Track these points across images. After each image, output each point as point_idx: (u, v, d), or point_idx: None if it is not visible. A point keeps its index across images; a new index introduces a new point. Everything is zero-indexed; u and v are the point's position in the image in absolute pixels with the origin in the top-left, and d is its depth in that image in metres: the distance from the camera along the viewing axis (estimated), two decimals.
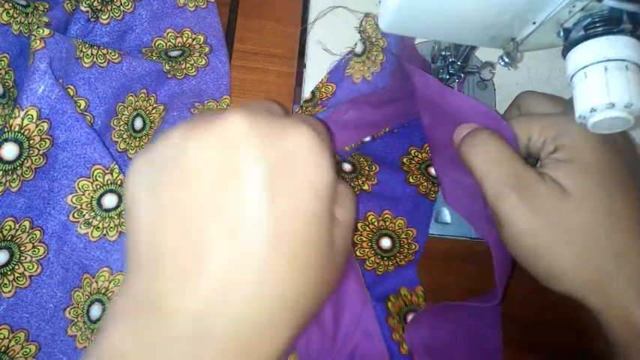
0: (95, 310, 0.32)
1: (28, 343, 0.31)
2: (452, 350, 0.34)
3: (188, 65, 0.38)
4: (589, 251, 0.27)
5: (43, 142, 0.29)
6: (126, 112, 0.34)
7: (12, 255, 0.30)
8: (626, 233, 0.27)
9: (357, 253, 0.36)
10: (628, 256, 0.27)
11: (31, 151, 0.29)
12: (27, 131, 0.28)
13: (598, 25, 0.25)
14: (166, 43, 0.38)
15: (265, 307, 0.20)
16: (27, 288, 0.31)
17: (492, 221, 0.30)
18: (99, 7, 0.35)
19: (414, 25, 0.29)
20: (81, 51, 0.32)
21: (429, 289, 0.36)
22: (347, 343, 0.31)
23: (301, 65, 0.40)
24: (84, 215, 0.32)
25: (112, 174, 0.32)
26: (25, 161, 0.29)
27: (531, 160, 0.32)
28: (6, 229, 0.29)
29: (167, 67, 0.36)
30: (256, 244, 0.20)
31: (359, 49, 0.38)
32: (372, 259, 0.36)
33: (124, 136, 0.34)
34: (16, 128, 0.28)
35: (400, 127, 0.39)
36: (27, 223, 0.30)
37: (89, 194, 0.32)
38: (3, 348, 0.30)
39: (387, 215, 0.36)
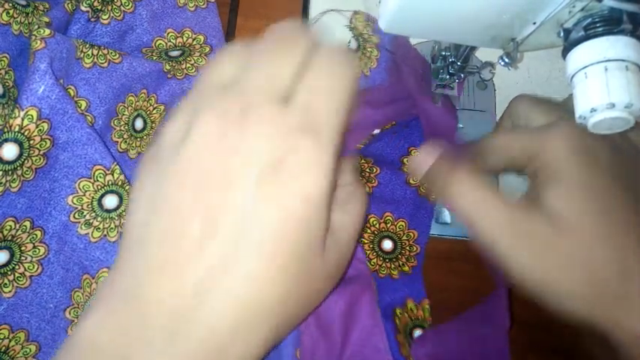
0: None
1: (28, 343, 0.31)
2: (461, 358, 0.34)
3: (188, 65, 0.38)
4: (593, 276, 0.26)
5: (44, 143, 0.29)
6: (126, 113, 0.34)
7: (12, 255, 0.30)
8: (629, 250, 0.26)
9: None
10: (634, 274, 0.26)
11: (32, 152, 0.29)
12: (27, 131, 0.28)
13: (598, 25, 0.25)
14: (167, 43, 0.38)
15: (243, 309, 0.20)
16: (27, 288, 0.31)
17: None
18: (99, 7, 0.35)
19: (414, 25, 0.29)
20: (81, 51, 0.32)
21: (429, 289, 0.36)
22: (355, 355, 0.31)
23: None
24: (84, 216, 0.32)
25: (112, 174, 0.32)
26: (26, 161, 0.29)
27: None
28: (6, 229, 0.29)
29: (167, 67, 0.36)
30: (239, 245, 0.20)
31: (353, 45, 0.38)
32: (374, 260, 0.36)
33: (125, 136, 0.34)
34: (16, 128, 0.28)
35: (400, 128, 0.39)
36: (27, 223, 0.30)
37: (90, 195, 0.32)
38: (3, 348, 0.30)
39: (388, 217, 0.36)
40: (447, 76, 0.38)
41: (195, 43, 0.38)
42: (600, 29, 0.25)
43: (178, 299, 0.20)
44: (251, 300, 0.20)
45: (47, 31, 0.29)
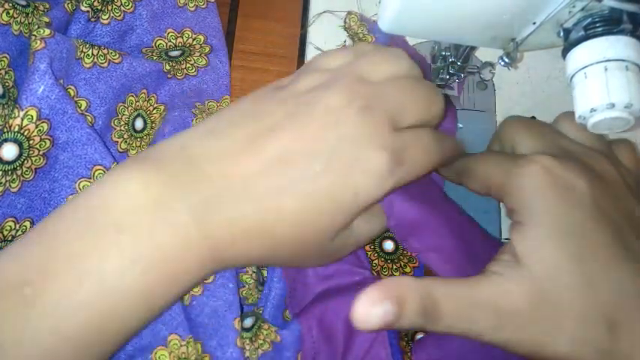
0: None
1: None
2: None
3: (188, 65, 0.38)
4: (580, 336, 0.23)
5: (43, 143, 0.29)
6: (126, 113, 0.34)
7: None
8: (613, 299, 0.24)
9: None
10: (623, 323, 0.23)
11: (31, 152, 0.29)
12: (27, 131, 0.28)
13: (598, 25, 0.25)
14: (167, 43, 0.38)
15: (261, 221, 0.24)
16: None
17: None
18: (99, 7, 0.35)
19: (414, 26, 0.29)
20: (81, 51, 0.32)
21: None
22: None
23: (301, 65, 0.40)
24: None
25: None
26: (25, 161, 0.29)
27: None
28: (6, 230, 0.29)
29: (167, 67, 0.36)
30: (294, 185, 0.24)
31: (349, 45, 0.38)
32: (376, 262, 0.36)
33: (125, 136, 0.34)
34: (16, 128, 0.28)
35: None
36: (27, 224, 0.30)
37: None
38: None
39: None
40: (447, 76, 0.38)
41: (195, 43, 0.38)
42: (600, 29, 0.25)
43: (227, 182, 0.24)
44: (268, 221, 0.24)
45: (47, 31, 0.29)
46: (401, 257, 0.36)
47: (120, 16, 0.36)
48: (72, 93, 0.32)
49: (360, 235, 0.28)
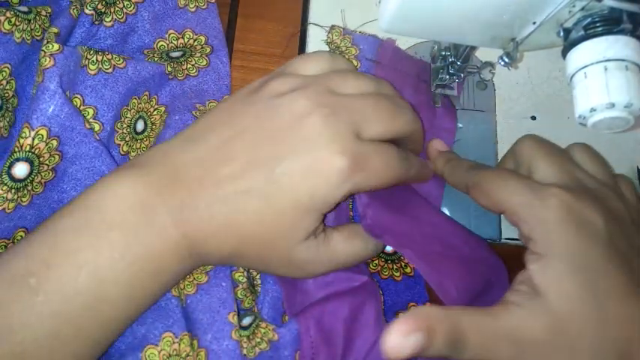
0: None
1: None
2: None
3: (189, 66, 0.38)
4: None
5: (53, 158, 0.30)
6: (129, 115, 0.34)
7: None
8: (626, 334, 0.24)
9: None
10: (635, 357, 0.24)
11: (41, 168, 0.29)
12: (37, 150, 0.29)
13: (598, 25, 0.25)
14: (168, 44, 0.38)
15: (215, 225, 0.27)
16: None
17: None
18: (103, 10, 0.35)
19: (414, 25, 0.29)
20: (86, 58, 0.32)
21: (428, 289, 0.36)
22: None
23: None
24: None
25: None
26: (35, 177, 0.29)
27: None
28: (17, 239, 0.30)
29: (169, 68, 0.36)
30: (260, 188, 0.26)
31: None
32: (376, 262, 0.36)
33: (127, 138, 0.34)
34: (27, 148, 0.28)
35: None
36: None
37: None
38: None
39: None
40: (447, 76, 0.38)
41: (196, 44, 0.38)
42: (600, 29, 0.25)
43: (201, 185, 0.26)
44: (236, 220, 0.27)
45: (56, 46, 0.29)
46: (401, 257, 0.36)
47: (122, 18, 0.36)
48: (78, 102, 0.32)
49: (337, 251, 0.29)
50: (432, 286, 0.30)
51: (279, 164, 0.26)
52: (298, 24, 0.41)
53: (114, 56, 0.33)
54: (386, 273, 0.36)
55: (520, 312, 0.25)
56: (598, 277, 0.25)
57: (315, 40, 0.40)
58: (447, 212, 0.38)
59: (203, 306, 0.29)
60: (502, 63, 0.30)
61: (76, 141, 0.30)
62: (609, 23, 0.24)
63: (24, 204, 0.29)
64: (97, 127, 0.32)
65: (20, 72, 0.31)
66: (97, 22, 0.35)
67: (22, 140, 0.28)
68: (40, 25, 0.31)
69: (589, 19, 0.25)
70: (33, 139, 0.28)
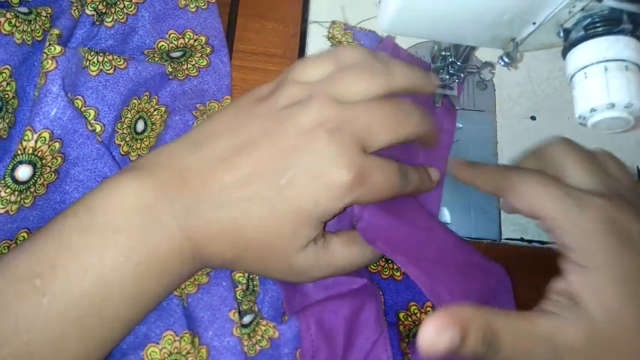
0: None
1: None
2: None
3: (189, 66, 0.38)
4: None
5: (55, 160, 0.30)
6: (129, 116, 0.34)
7: None
8: None
9: None
10: None
11: (44, 170, 0.29)
12: (40, 152, 0.29)
13: (598, 25, 0.25)
14: (168, 45, 0.38)
15: (218, 230, 0.27)
16: None
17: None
18: (104, 10, 0.35)
19: (414, 26, 0.29)
20: (87, 59, 0.32)
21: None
22: None
23: None
24: None
25: None
26: (38, 179, 0.29)
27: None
28: (20, 240, 0.30)
29: (170, 68, 0.36)
30: (263, 196, 0.27)
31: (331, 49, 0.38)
32: (377, 262, 0.36)
33: (127, 139, 0.34)
34: (30, 150, 0.28)
35: None
36: None
37: None
38: None
39: None
40: (447, 76, 0.38)
41: (196, 44, 0.38)
42: (600, 29, 0.25)
43: (205, 190, 0.27)
44: (238, 226, 0.27)
45: (58, 49, 0.29)
46: None
47: (123, 18, 0.36)
48: (79, 103, 0.32)
49: (336, 257, 0.30)
50: (425, 291, 0.30)
51: (284, 175, 0.27)
52: (298, 24, 0.41)
53: (115, 57, 0.33)
54: (386, 273, 0.36)
55: (558, 320, 0.25)
56: (638, 286, 0.25)
57: (316, 40, 0.40)
58: (447, 212, 0.38)
59: (204, 304, 0.30)
60: (502, 63, 0.30)
61: (78, 143, 0.30)
62: (609, 23, 0.24)
63: (27, 206, 0.29)
64: (98, 128, 0.32)
65: (20, 73, 0.31)
66: (97, 23, 0.35)
67: (24, 143, 0.28)
68: (40, 26, 0.31)
69: (589, 20, 0.25)
70: (36, 141, 0.28)
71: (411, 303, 0.35)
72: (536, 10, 0.26)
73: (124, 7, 0.36)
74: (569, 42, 0.26)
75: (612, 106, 0.24)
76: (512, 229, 0.38)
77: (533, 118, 0.41)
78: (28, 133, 0.28)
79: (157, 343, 0.28)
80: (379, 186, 0.29)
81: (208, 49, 0.38)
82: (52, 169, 0.30)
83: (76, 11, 0.33)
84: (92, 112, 0.32)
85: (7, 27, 0.29)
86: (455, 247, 0.33)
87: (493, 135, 0.40)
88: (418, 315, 0.35)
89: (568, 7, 0.25)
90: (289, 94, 0.29)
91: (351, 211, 0.32)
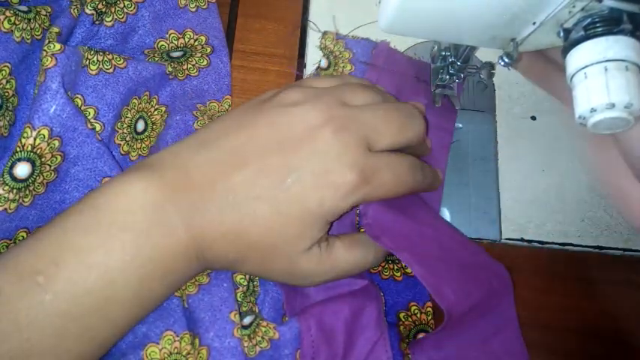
0: None
1: None
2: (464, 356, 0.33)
3: (190, 66, 0.38)
4: None
5: (55, 159, 0.30)
6: (129, 115, 0.34)
7: None
8: None
9: None
10: None
11: (43, 168, 0.29)
12: (39, 150, 0.29)
13: (598, 25, 0.25)
14: (169, 44, 0.38)
15: (223, 230, 0.27)
16: None
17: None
18: (103, 10, 0.35)
19: (414, 26, 0.29)
20: (87, 58, 0.32)
21: None
22: None
23: (301, 65, 0.40)
24: None
25: None
26: (37, 177, 0.29)
27: None
28: (19, 239, 0.30)
29: (170, 68, 0.36)
30: (270, 198, 0.27)
31: (324, 64, 0.39)
32: None
33: (127, 138, 0.34)
34: (29, 148, 0.28)
35: None
36: None
37: None
38: None
39: None
40: (447, 76, 0.38)
41: (196, 44, 0.38)
42: (600, 29, 0.25)
43: (212, 189, 0.27)
44: (244, 225, 0.27)
45: (57, 46, 0.29)
46: None
47: (123, 18, 0.36)
48: (79, 102, 0.32)
49: (338, 260, 0.30)
50: (429, 290, 0.30)
51: (291, 173, 0.27)
52: (298, 24, 0.41)
53: (114, 56, 0.33)
54: (387, 273, 0.36)
55: None
56: None
57: (316, 40, 0.40)
58: (447, 212, 0.38)
59: (205, 305, 0.30)
60: (502, 63, 0.30)
61: (78, 141, 0.30)
62: (609, 23, 0.24)
63: (26, 204, 0.29)
64: (97, 127, 0.32)
65: (20, 71, 0.31)
66: (97, 22, 0.35)
67: (23, 140, 0.28)
68: (39, 25, 0.31)
69: (589, 20, 0.25)
70: (34, 139, 0.28)
71: (412, 303, 0.35)
72: (536, 10, 0.26)
73: (124, 6, 0.36)
74: (569, 42, 0.26)
75: (612, 106, 0.24)
76: (512, 229, 0.38)
77: (533, 118, 0.41)
78: (27, 130, 0.28)
79: (157, 343, 0.28)
80: (387, 184, 0.29)
81: (208, 49, 0.38)
82: (52, 168, 0.30)
83: (75, 10, 0.33)
84: (92, 111, 0.32)
85: (6, 25, 0.29)
86: (459, 246, 0.33)
87: (493, 135, 0.40)
88: (419, 315, 0.35)
89: (568, 7, 0.25)
90: (297, 92, 0.30)
91: (353, 213, 0.32)
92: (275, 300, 0.32)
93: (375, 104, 0.30)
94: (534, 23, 0.27)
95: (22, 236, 0.29)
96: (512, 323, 0.34)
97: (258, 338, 0.30)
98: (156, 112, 0.36)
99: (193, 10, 0.39)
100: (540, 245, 0.38)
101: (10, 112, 0.30)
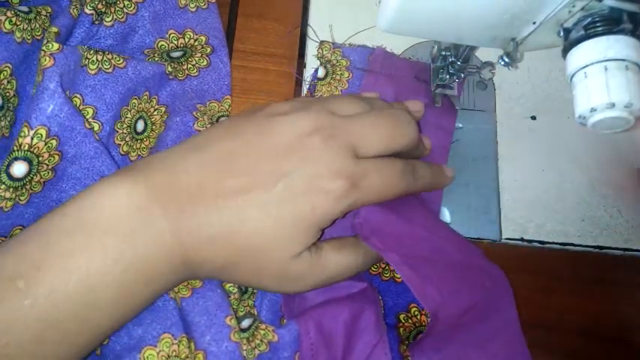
0: None
1: None
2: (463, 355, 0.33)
3: (190, 66, 0.38)
4: None
5: (52, 158, 0.30)
6: (129, 115, 0.34)
7: None
8: None
9: None
10: None
11: (40, 167, 0.29)
12: (36, 149, 0.29)
13: (598, 24, 0.25)
14: (169, 44, 0.38)
15: (211, 234, 0.26)
16: None
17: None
18: (103, 10, 0.35)
19: (414, 25, 0.29)
20: (86, 58, 0.32)
21: None
22: None
23: (301, 65, 0.40)
24: None
25: None
26: (35, 176, 0.29)
27: None
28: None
29: (170, 68, 0.36)
30: (264, 204, 0.27)
31: (321, 73, 0.39)
32: (377, 263, 0.35)
33: (127, 138, 0.34)
34: (26, 147, 0.28)
35: None
36: None
37: None
38: None
39: None
40: (447, 76, 0.38)
41: (196, 44, 0.38)
42: (600, 29, 0.25)
43: (201, 192, 0.27)
44: (233, 229, 0.27)
45: (55, 46, 0.29)
46: None
47: (123, 18, 0.36)
48: (78, 102, 0.32)
49: (328, 263, 0.29)
50: (414, 292, 0.30)
51: (281, 179, 0.27)
52: (298, 24, 0.41)
53: (114, 56, 0.33)
54: (387, 275, 0.35)
55: None
56: None
57: (316, 40, 0.40)
58: (447, 212, 0.38)
59: (200, 309, 0.29)
60: (502, 63, 0.30)
61: (75, 141, 0.30)
62: (609, 23, 0.24)
63: (22, 203, 0.29)
64: (96, 126, 0.32)
65: (21, 72, 0.31)
66: (97, 22, 0.35)
67: (20, 139, 0.28)
68: (40, 25, 0.31)
69: (589, 19, 0.25)
70: (32, 138, 0.28)
71: (412, 305, 0.35)
72: (536, 9, 0.26)
73: (124, 6, 0.36)
74: (569, 42, 0.26)
75: (612, 105, 0.24)
76: (512, 229, 0.38)
77: (533, 118, 0.41)
78: (25, 129, 0.28)
79: (155, 346, 0.27)
80: (376, 188, 0.29)
81: (208, 49, 0.38)
82: (49, 167, 0.30)
83: (75, 10, 0.33)
84: (90, 111, 0.32)
85: (7, 25, 0.29)
86: (453, 247, 0.33)
87: (493, 135, 0.40)
88: (418, 317, 0.35)
89: (568, 6, 0.25)
90: (286, 105, 0.30)
91: (343, 220, 0.32)
92: (273, 302, 0.32)
93: (364, 113, 0.31)
94: (534, 23, 0.27)
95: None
96: (513, 325, 0.34)
97: (257, 341, 0.29)
98: (155, 113, 0.36)
99: (193, 10, 0.39)
100: (540, 245, 0.38)
101: (10, 113, 0.30)
